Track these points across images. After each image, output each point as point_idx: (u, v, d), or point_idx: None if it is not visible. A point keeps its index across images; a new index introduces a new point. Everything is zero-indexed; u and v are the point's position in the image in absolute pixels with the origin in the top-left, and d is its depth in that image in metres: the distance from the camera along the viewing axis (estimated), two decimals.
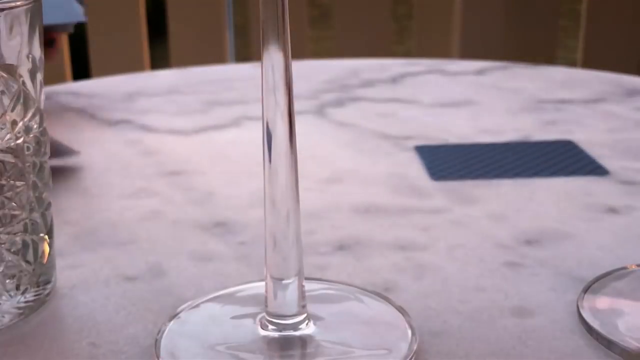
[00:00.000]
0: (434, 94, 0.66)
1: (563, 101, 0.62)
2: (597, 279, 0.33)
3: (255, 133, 0.56)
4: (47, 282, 0.33)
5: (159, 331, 0.30)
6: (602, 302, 0.32)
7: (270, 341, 0.29)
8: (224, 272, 0.36)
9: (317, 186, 0.46)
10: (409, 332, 0.30)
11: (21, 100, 0.31)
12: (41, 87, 0.32)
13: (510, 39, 1.31)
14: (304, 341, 0.29)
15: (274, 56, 0.27)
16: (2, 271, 0.31)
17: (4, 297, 0.31)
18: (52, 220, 0.33)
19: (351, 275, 0.35)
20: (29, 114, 0.31)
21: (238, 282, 0.34)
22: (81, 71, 1.26)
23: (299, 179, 0.29)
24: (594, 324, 0.30)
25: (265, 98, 0.28)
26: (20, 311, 0.32)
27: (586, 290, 0.32)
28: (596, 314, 0.31)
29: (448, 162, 0.49)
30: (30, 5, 0.31)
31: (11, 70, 0.30)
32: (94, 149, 0.54)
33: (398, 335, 0.30)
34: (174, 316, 0.31)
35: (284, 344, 0.29)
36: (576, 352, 0.29)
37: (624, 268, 0.34)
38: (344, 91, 0.67)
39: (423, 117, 0.59)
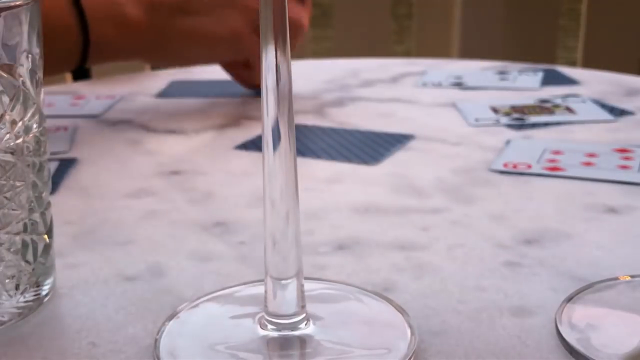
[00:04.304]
0: (434, 93, 0.66)
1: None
2: (581, 290, 0.32)
3: (255, 133, 0.56)
4: (47, 282, 0.33)
5: (159, 331, 0.30)
6: (581, 315, 0.30)
7: (269, 341, 0.29)
8: (224, 272, 0.36)
9: (317, 186, 0.46)
10: (409, 331, 0.30)
11: (21, 100, 0.31)
12: (41, 86, 0.32)
13: (510, 39, 1.31)
14: (303, 341, 0.29)
15: (274, 56, 0.27)
16: (2, 271, 0.31)
17: (3, 297, 0.31)
18: (51, 220, 0.33)
19: (351, 275, 0.35)
20: (29, 114, 0.31)
21: (238, 282, 0.34)
22: (81, 71, 1.26)
23: (299, 179, 0.29)
24: (570, 337, 0.29)
25: (265, 98, 0.28)
26: (20, 311, 0.32)
27: (568, 300, 0.31)
28: (574, 327, 0.30)
29: None
30: (30, 5, 0.31)
31: (11, 70, 0.30)
32: (94, 149, 0.54)
33: (397, 335, 0.30)
34: (174, 316, 0.31)
35: (283, 344, 0.29)
36: (575, 352, 0.29)
37: (614, 278, 0.33)
38: (344, 91, 0.67)
39: (423, 116, 0.59)
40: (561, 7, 1.31)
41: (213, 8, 0.61)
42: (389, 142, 0.52)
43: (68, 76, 1.22)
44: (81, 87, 0.73)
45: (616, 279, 0.33)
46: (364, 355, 0.29)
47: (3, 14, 0.29)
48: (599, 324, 0.30)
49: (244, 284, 0.34)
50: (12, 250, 0.31)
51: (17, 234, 0.31)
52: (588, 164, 0.47)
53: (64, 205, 0.44)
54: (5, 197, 0.31)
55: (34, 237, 0.32)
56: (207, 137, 0.56)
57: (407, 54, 1.36)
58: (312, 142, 0.53)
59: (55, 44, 0.49)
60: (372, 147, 0.51)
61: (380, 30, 1.32)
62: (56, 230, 0.34)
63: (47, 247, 0.33)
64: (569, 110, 0.59)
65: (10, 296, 0.31)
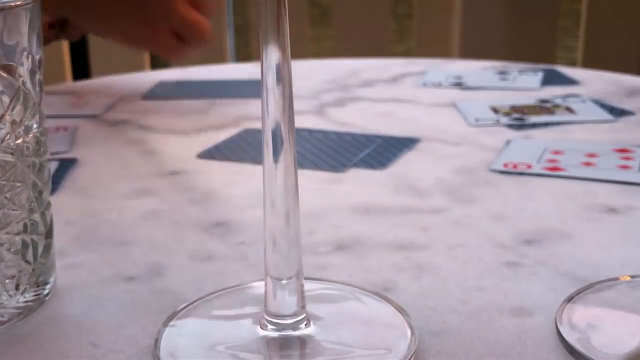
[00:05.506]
0: (434, 93, 0.66)
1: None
2: (581, 290, 0.32)
3: (255, 133, 0.56)
4: (47, 282, 0.33)
5: (159, 331, 0.30)
6: (582, 315, 0.30)
7: (269, 341, 0.29)
8: (224, 272, 0.36)
9: (317, 186, 0.46)
10: (409, 332, 0.30)
11: (21, 100, 0.31)
12: (41, 87, 0.32)
13: (510, 39, 1.31)
14: (303, 341, 0.29)
15: (274, 56, 0.27)
16: (2, 271, 0.31)
17: (3, 297, 0.31)
18: (51, 220, 0.33)
19: (351, 275, 0.35)
20: (29, 114, 0.31)
21: (238, 282, 0.34)
22: (81, 71, 1.26)
23: (299, 179, 0.29)
24: (570, 337, 0.29)
25: (265, 98, 0.28)
26: (20, 311, 0.32)
27: (568, 301, 0.31)
28: (574, 327, 0.30)
29: None
30: (30, 5, 0.31)
31: (11, 70, 0.30)
32: (94, 149, 0.54)
33: (397, 335, 0.30)
34: (174, 316, 0.31)
35: (283, 344, 0.29)
36: (575, 352, 0.29)
37: (614, 278, 0.33)
38: (344, 91, 0.67)
39: (423, 116, 0.59)
40: (561, 7, 1.31)
41: None
42: (395, 147, 0.52)
43: (68, 76, 1.22)
44: (81, 87, 0.73)
45: (616, 279, 0.33)
46: (364, 355, 0.29)
47: (3, 14, 0.29)
48: (599, 324, 0.30)
49: (244, 284, 0.34)
50: (12, 250, 0.31)
51: (17, 234, 0.31)
52: (588, 164, 0.47)
53: (64, 205, 0.44)
54: (5, 197, 0.31)
55: (34, 237, 0.32)
56: (207, 137, 0.56)
57: (407, 54, 1.36)
58: (315, 148, 0.52)
59: None
60: (379, 151, 0.51)
61: (380, 30, 1.32)
62: (56, 230, 0.34)
63: (47, 247, 0.33)
64: (569, 110, 0.59)
65: (11, 296, 0.31)
